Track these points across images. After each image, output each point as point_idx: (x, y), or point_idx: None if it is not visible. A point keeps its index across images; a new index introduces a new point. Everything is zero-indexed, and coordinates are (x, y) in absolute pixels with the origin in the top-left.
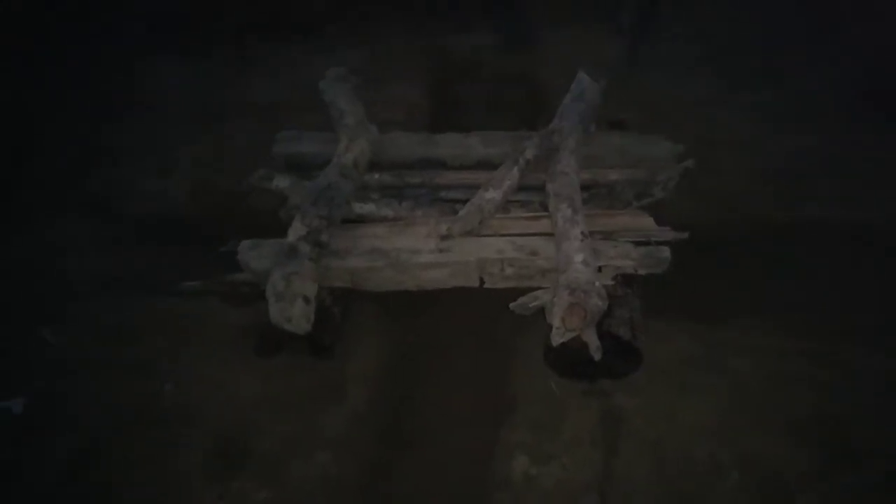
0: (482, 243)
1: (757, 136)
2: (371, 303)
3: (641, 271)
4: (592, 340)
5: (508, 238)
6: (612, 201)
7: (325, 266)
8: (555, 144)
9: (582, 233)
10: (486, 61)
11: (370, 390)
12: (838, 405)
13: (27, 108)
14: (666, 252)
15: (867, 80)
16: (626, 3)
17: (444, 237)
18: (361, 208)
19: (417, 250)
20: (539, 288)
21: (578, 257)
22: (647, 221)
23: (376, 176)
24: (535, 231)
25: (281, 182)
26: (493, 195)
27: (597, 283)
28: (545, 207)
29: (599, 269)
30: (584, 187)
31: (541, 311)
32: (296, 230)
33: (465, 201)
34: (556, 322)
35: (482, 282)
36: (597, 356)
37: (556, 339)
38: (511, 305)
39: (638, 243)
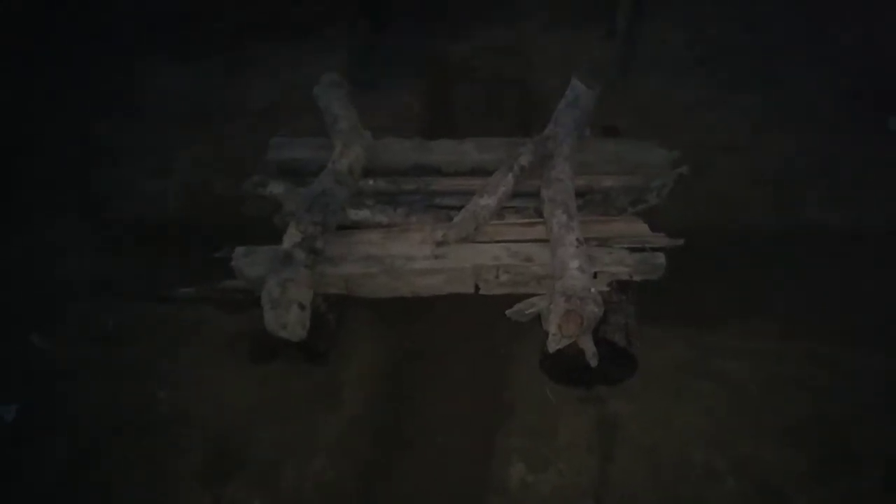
0: (477, 250)
1: (752, 139)
2: (366, 309)
3: (636, 277)
4: (589, 347)
5: (504, 244)
6: (607, 207)
7: (320, 273)
8: (549, 151)
9: (577, 239)
10: (481, 66)
11: (365, 397)
12: (836, 407)
13: (27, 108)
14: (661, 258)
15: (863, 82)
16: (620, 7)
17: (439, 243)
18: (356, 215)
19: (412, 257)
20: (534, 294)
21: (574, 264)
22: (642, 227)
23: (371, 182)
24: (530, 237)
25: (275, 188)
26: (488, 201)
27: (593, 290)
28: (540, 214)
29: (595, 276)
30: (579, 193)
31: (537, 318)
32: (291, 237)
33: (459, 208)
34: (552, 329)
35: (477, 288)
36: (593, 363)
37: (553, 345)
38: (507, 312)
39: (633, 249)
